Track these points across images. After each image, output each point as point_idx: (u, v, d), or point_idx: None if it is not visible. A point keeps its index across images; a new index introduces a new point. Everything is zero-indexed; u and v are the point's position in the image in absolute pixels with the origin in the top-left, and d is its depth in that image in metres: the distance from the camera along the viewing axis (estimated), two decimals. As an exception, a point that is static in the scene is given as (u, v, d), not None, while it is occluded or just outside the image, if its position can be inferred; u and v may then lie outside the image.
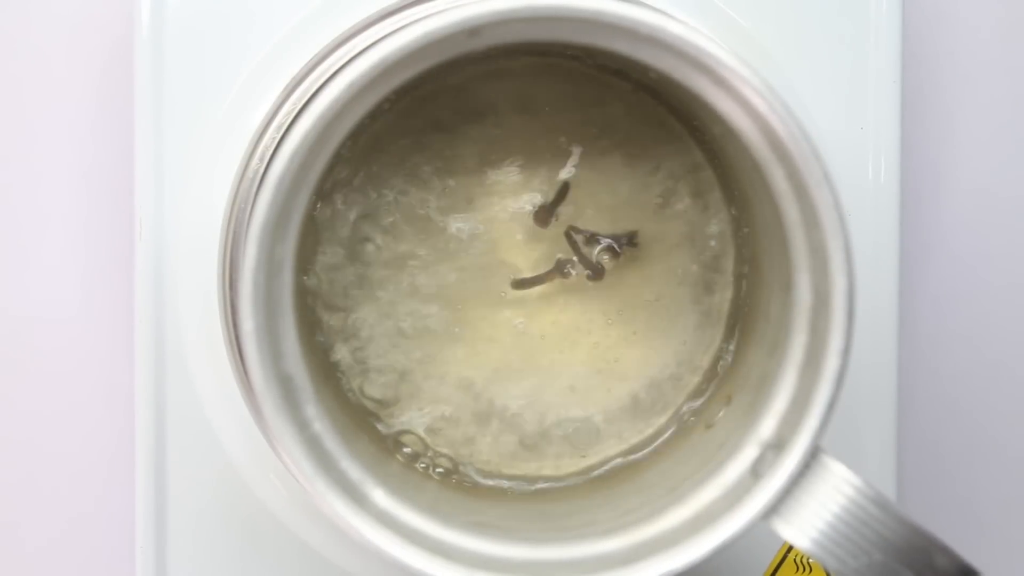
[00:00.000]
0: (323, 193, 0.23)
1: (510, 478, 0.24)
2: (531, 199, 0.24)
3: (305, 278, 0.24)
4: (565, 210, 0.24)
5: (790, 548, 0.28)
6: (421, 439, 0.24)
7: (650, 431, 0.24)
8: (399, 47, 0.18)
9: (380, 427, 0.24)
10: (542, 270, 0.24)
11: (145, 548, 0.27)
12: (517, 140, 0.24)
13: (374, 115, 0.22)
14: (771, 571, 0.28)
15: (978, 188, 0.32)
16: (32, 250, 0.31)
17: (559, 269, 0.24)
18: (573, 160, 0.23)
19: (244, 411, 0.25)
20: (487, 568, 0.19)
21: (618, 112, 0.24)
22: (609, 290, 0.24)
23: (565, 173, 0.23)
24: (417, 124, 0.24)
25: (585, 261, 0.24)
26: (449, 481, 0.24)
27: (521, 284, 0.24)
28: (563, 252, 0.24)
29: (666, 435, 0.24)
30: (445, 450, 0.24)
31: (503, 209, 0.24)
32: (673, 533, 0.20)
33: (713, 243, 0.24)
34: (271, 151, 0.20)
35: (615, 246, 0.24)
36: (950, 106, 0.32)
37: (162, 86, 0.26)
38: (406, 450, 0.24)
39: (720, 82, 0.19)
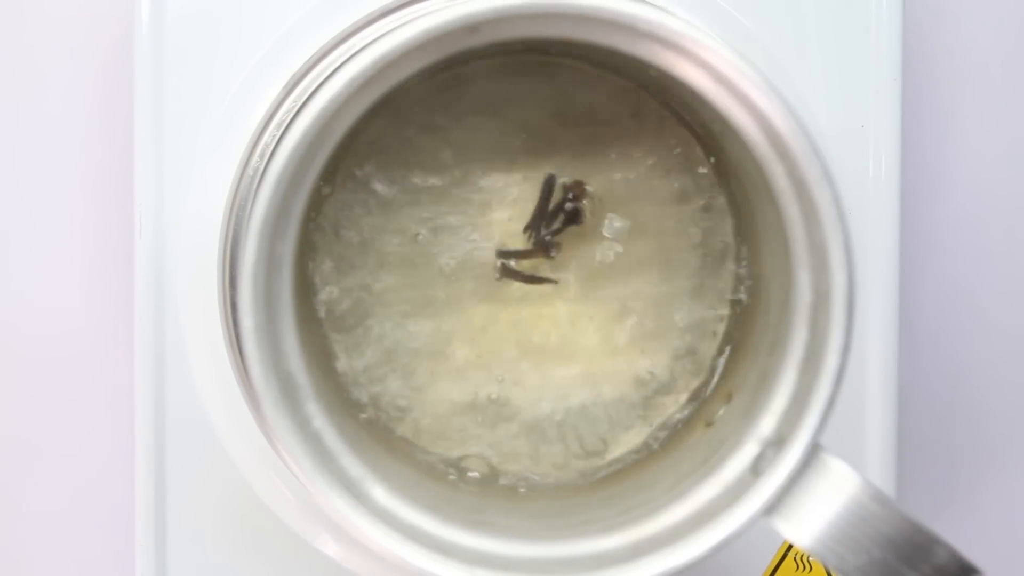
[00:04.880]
0: (323, 190, 0.23)
1: (510, 475, 0.24)
2: (530, 197, 0.24)
3: (305, 276, 0.24)
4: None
5: (790, 547, 0.28)
6: (421, 437, 0.24)
7: (650, 429, 0.24)
8: (399, 44, 0.18)
9: (379, 424, 0.24)
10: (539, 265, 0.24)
11: (145, 548, 0.27)
12: (515, 138, 0.24)
13: (374, 112, 0.22)
14: (771, 570, 0.28)
15: (978, 185, 0.32)
16: (32, 249, 0.31)
17: (544, 248, 0.24)
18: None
19: (244, 410, 0.25)
20: (487, 565, 0.19)
21: (618, 110, 0.24)
22: (609, 288, 0.24)
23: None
24: (416, 121, 0.24)
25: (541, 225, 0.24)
26: (449, 478, 0.24)
27: (505, 254, 0.24)
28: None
29: (666, 433, 0.24)
30: (445, 448, 0.24)
31: (502, 205, 0.24)
32: (673, 531, 0.20)
33: (713, 240, 0.24)
34: (271, 148, 0.20)
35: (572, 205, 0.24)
36: (950, 104, 0.32)
37: (162, 85, 0.26)
38: (405, 447, 0.24)
39: (720, 79, 0.19)
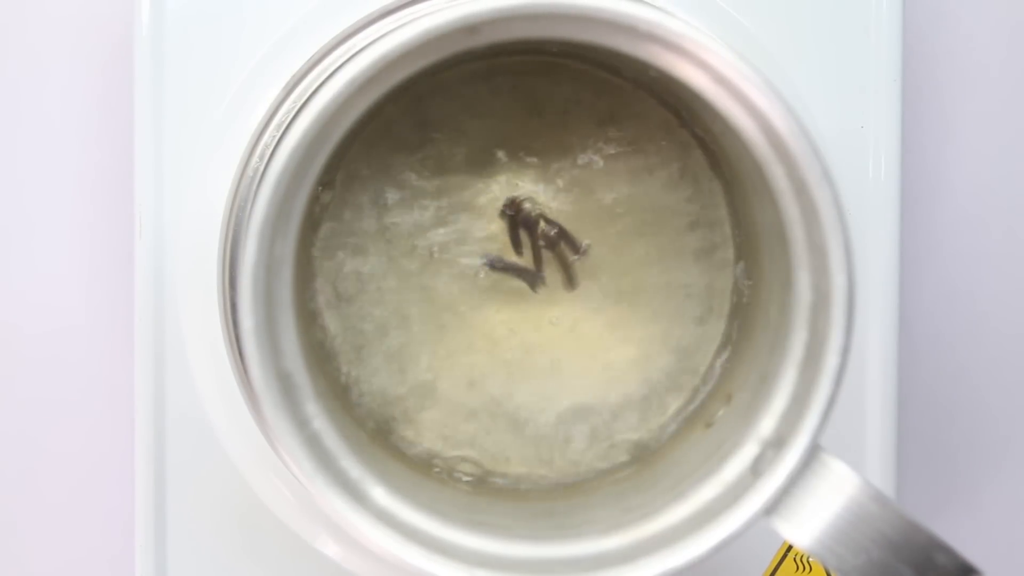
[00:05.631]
0: (323, 191, 0.23)
1: (509, 477, 0.24)
2: (530, 198, 0.24)
3: (304, 277, 0.24)
4: (562, 209, 0.24)
5: (790, 547, 0.28)
6: (421, 437, 0.24)
7: (650, 429, 0.24)
8: (399, 44, 0.18)
9: (379, 425, 0.24)
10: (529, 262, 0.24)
11: (145, 548, 0.27)
12: (516, 139, 0.24)
13: (374, 113, 0.22)
14: (771, 570, 0.28)
15: (978, 186, 0.32)
16: (32, 249, 0.31)
17: (530, 277, 0.24)
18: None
19: (244, 410, 0.25)
20: (487, 566, 0.19)
21: (617, 111, 0.24)
22: (609, 289, 0.24)
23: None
24: (416, 122, 0.24)
25: (520, 268, 0.24)
26: (449, 479, 0.24)
27: (493, 264, 0.24)
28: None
29: (666, 434, 0.24)
30: (444, 448, 0.24)
31: (502, 208, 0.24)
32: (673, 531, 0.20)
33: (713, 241, 0.24)
34: (271, 149, 0.20)
35: (570, 244, 0.24)
36: (950, 105, 0.32)
37: (162, 85, 0.26)
38: (405, 448, 0.24)
39: (720, 79, 0.19)
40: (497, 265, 0.23)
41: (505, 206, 0.23)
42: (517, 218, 0.23)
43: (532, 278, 0.24)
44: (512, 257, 0.24)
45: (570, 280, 0.23)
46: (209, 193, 0.26)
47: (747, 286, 0.24)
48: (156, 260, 0.26)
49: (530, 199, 0.23)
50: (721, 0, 0.27)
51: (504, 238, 0.24)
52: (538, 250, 0.24)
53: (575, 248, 0.24)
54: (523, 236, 0.24)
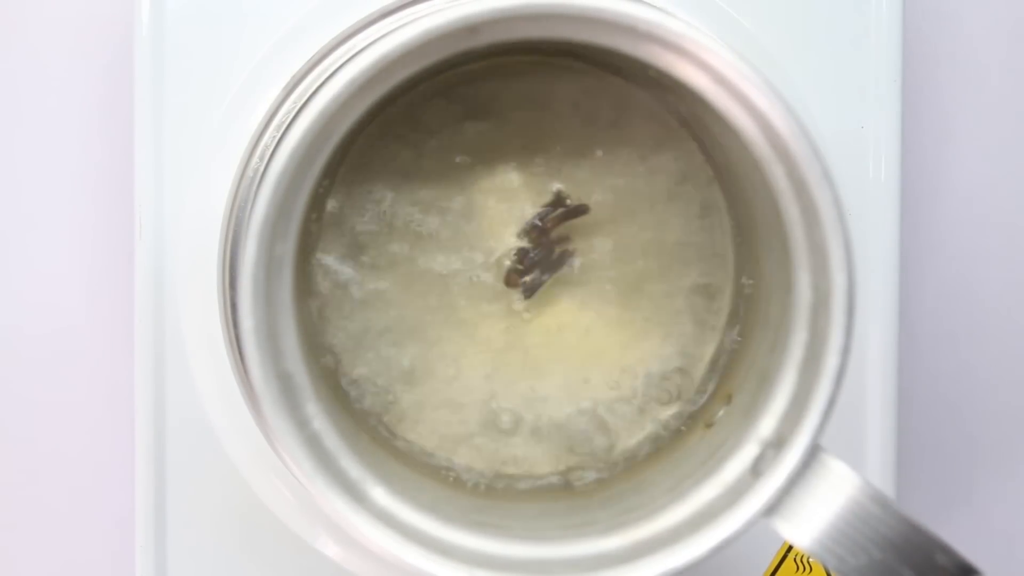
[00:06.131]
0: (323, 191, 0.23)
1: (509, 477, 0.24)
2: (530, 198, 0.24)
3: (305, 276, 0.24)
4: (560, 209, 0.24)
5: (790, 548, 0.28)
6: (420, 437, 0.24)
7: (650, 430, 0.24)
8: (399, 45, 0.18)
9: (379, 425, 0.24)
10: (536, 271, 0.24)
11: (145, 548, 0.27)
12: (516, 139, 0.24)
13: (374, 113, 0.22)
14: (771, 571, 0.28)
15: (978, 186, 0.32)
16: (32, 250, 0.31)
17: (556, 263, 0.24)
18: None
19: (244, 411, 0.25)
20: (486, 566, 0.19)
21: (618, 111, 0.24)
22: (609, 290, 0.24)
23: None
24: (416, 122, 0.24)
25: (535, 280, 0.24)
26: (449, 480, 0.24)
27: (527, 290, 0.24)
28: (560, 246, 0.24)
29: (666, 434, 0.24)
30: (444, 449, 0.24)
31: (502, 208, 0.24)
32: (673, 531, 0.20)
33: (713, 242, 0.24)
34: (271, 149, 0.20)
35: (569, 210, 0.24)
36: (950, 105, 0.32)
37: (162, 86, 0.26)
38: (405, 448, 0.24)
39: (720, 80, 0.19)
40: (533, 288, 0.24)
41: (507, 283, 0.23)
42: (525, 280, 0.24)
43: (580, 210, 0.24)
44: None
45: (582, 209, 0.23)
46: (209, 193, 0.26)
47: (747, 286, 0.24)
48: (156, 260, 0.26)
49: (507, 256, 0.24)
50: (721, 0, 0.27)
51: (500, 230, 0.24)
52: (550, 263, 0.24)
53: (582, 212, 0.24)
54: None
